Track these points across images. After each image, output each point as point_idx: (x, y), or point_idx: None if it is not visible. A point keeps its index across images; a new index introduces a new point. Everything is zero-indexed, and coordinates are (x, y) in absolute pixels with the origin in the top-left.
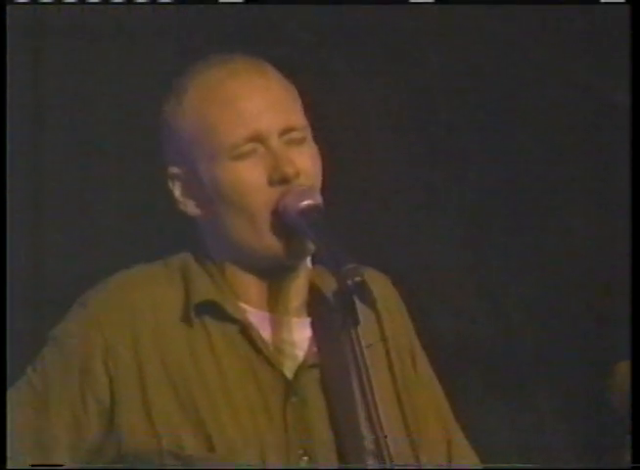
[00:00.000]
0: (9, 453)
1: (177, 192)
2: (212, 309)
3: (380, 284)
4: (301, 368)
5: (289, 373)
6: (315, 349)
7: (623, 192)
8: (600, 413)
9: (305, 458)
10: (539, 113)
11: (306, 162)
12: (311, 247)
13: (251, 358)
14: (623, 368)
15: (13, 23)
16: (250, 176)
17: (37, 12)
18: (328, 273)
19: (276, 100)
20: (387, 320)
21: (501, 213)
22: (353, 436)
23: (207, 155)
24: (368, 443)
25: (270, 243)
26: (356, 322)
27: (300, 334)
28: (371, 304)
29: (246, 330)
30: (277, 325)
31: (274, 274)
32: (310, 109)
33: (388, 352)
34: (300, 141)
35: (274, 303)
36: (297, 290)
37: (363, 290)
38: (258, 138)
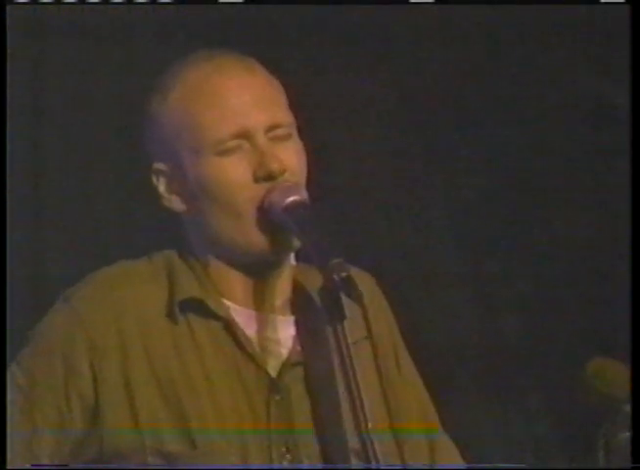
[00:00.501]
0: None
1: (162, 188)
2: (196, 306)
3: (364, 282)
4: (285, 366)
5: (272, 371)
6: (299, 347)
7: (623, 194)
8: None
9: (288, 456)
10: (538, 112)
11: (292, 158)
12: (296, 243)
13: (234, 356)
14: (594, 366)
15: (13, 23)
16: (235, 172)
17: (37, 12)
18: (312, 271)
19: (262, 96)
20: (371, 317)
21: (496, 214)
22: (337, 434)
23: (192, 150)
24: (353, 441)
25: (255, 239)
26: (342, 317)
27: (284, 332)
28: (357, 298)
29: (229, 327)
30: (261, 323)
31: (258, 271)
32: (298, 105)
33: (374, 349)
34: (286, 137)
35: (258, 300)
36: (282, 287)
37: (349, 285)
38: (244, 134)
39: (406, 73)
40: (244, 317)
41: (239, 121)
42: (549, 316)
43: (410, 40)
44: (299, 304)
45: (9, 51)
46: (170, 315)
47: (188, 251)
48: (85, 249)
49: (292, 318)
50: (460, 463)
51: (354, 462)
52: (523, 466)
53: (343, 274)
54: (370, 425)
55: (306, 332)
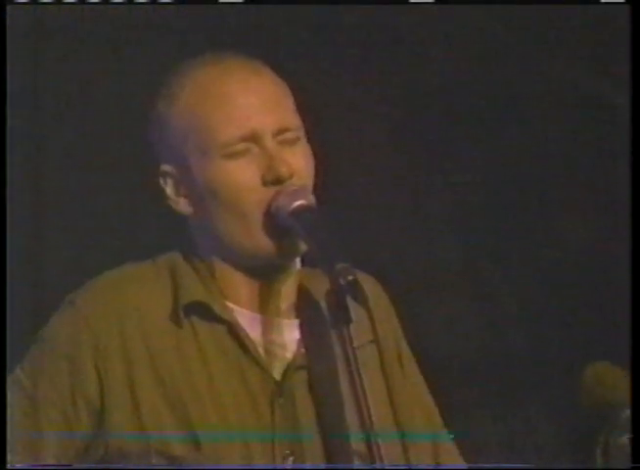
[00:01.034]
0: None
1: (169, 190)
2: (201, 310)
3: (368, 285)
4: (289, 369)
5: (277, 374)
6: (303, 350)
7: (623, 195)
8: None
9: (292, 459)
10: (538, 112)
11: (300, 162)
12: (303, 247)
13: (239, 359)
14: (593, 371)
15: (13, 23)
16: (242, 176)
17: (37, 12)
18: (317, 275)
19: (270, 99)
20: (377, 320)
21: (497, 216)
22: (341, 437)
23: (200, 153)
24: (357, 444)
25: (262, 243)
26: (348, 321)
27: (289, 335)
28: (363, 302)
29: (234, 330)
30: (266, 326)
31: (264, 274)
32: (305, 108)
33: (380, 352)
34: (294, 141)
35: (263, 303)
36: (287, 291)
37: (356, 289)
38: (252, 138)
39: (407, 74)
40: (248, 320)
41: (247, 124)
42: (551, 321)
43: (410, 40)
44: (304, 307)
45: (9, 51)
46: (175, 319)
47: (193, 253)
48: (86, 251)
49: (296, 322)
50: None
51: (358, 464)
52: (523, 466)
53: (350, 278)
54: (375, 429)
55: (311, 335)
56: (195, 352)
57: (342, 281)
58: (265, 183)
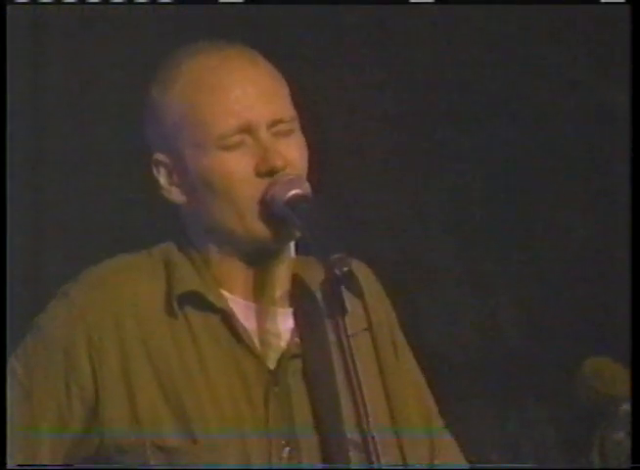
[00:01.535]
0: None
1: (162, 179)
2: (195, 299)
3: (362, 273)
4: (284, 359)
5: (271, 363)
6: (297, 339)
7: (623, 194)
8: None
9: (287, 449)
10: (538, 112)
11: (294, 153)
12: (297, 233)
13: (233, 348)
14: (592, 365)
15: (13, 23)
16: (237, 166)
17: (37, 12)
18: (311, 264)
19: (266, 90)
20: (371, 308)
21: (496, 213)
22: (336, 426)
23: (195, 143)
24: (352, 433)
25: (256, 232)
26: (343, 311)
27: (283, 324)
28: (358, 293)
29: (228, 319)
30: (260, 315)
31: (258, 260)
32: (300, 99)
33: (374, 342)
34: (288, 133)
35: (257, 292)
36: (281, 279)
37: (351, 279)
38: (247, 129)
39: (406, 72)
40: (242, 309)
41: (242, 115)
42: (548, 315)
43: (410, 40)
44: (298, 296)
45: (9, 51)
46: (169, 309)
47: (186, 242)
48: (86, 246)
49: (290, 311)
50: (460, 458)
51: (353, 455)
52: (523, 466)
53: (345, 269)
54: (370, 418)
55: (305, 324)
56: (189, 341)
57: (337, 271)
58: (259, 174)
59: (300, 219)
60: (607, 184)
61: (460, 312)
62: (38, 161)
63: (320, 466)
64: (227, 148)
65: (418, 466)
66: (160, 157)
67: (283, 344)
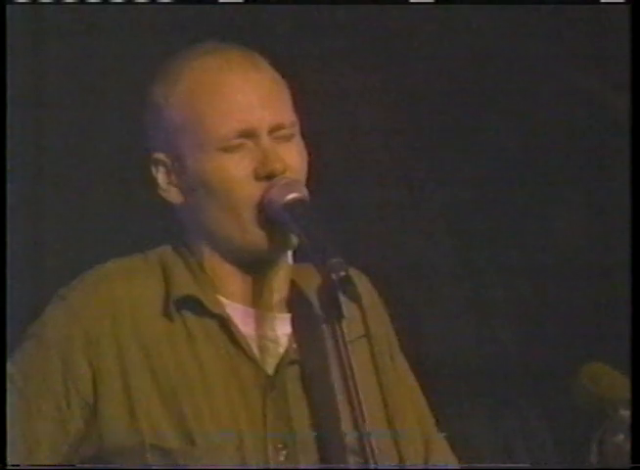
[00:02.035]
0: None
1: (160, 178)
2: (192, 304)
3: (359, 282)
4: (281, 364)
5: (269, 369)
6: (295, 345)
7: (623, 195)
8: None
9: (284, 452)
10: (538, 112)
11: (294, 158)
12: (294, 241)
13: (230, 353)
14: (589, 371)
15: (13, 23)
16: (236, 169)
17: (37, 12)
18: (309, 271)
19: (269, 95)
20: (367, 317)
21: (495, 215)
22: (333, 431)
23: (195, 144)
24: (349, 438)
25: (252, 237)
26: (340, 316)
27: (281, 330)
28: (355, 298)
29: (225, 324)
30: (257, 320)
31: (254, 268)
32: (301, 104)
33: (371, 348)
34: (289, 138)
35: (255, 297)
36: (278, 285)
37: (348, 284)
38: (248, 133)
39: (406, 73)
40: (240, 314)
41: (244, 119)
42: (546, 319)
43: (410, 40)
44: (296, 302)
45: (9, 51)
46: (166, 313)
47: (184, 245)
48: (86, 248)
49: (288, 316)
50: (454, 462)
51: (350, 459)
52: (522, 466)
53: (342, 274)
54: (367, 422)
55: (302, 330)
56: (187, 346)
57: (334, 276)
58: (258, 177)
59: (298, 223)
60: (607, 185)
61: (457, 315)
62: (38, 161)
63: (317, 467)
64: (227, 150)
65: (415, 467)
66: (159, 156)
67: (281, 349)
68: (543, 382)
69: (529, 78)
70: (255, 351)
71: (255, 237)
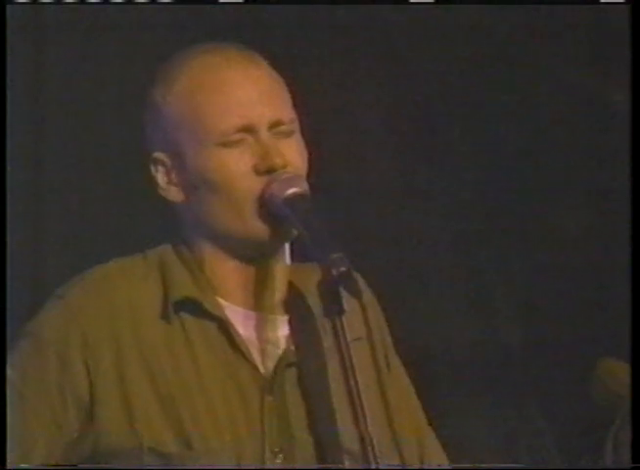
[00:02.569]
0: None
1: (160, 177)
2: (191, 306)
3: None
4: (279, 366)
5: (267, 371)
6: (293, 347)
7: (623, 194)
8: (584, 413)
9: (281, 456)
10: (538, 112)
11: (294, 154)
12: (294, 232)
13: (228, 355)
14: (605, 365)
15: (13, 23)
16: (236, 164)
17: (37, 12)
18: (307, 271)
19: (268, 91)
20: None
21: (496, 214)
22: (331, 434)
23: (195, 140)
24: (349, 441)
25: (253, 230)
26: (341, 312)
27: (279, 332)
28: (356, 293)
29: (224, 327)
30: (256, 322)
31: (254, 262)
32: (300, 101)
33: (371, 346)
34: (289, 134)
35: (253, 298)
36: (276, 286)
37: (348, 279)
38: (248, 129)
39: (406, 72)
40: (238, 316)
41: (244, 115)
42: (546, 319)
43: (410, 40)
44: (294, 303)
45: (9, 51)
46: (165, 314)
47: (183, 244)
48: (86, 248)
49: (286, 318)
50: (445, 464)
51: (348, 462)
52: (522, 466)
53: (343, 269)
54: (369, 422)
55: (300, 332)
56: (185, 348)
57: (335, 271)
58: (258, 172)
59: (298, 218)
60: (607, 184)
61: (457, 314)
62: (38, 161)
63: (316, 467)
64: (227, 145)
65: (414, 467)
66: (159, 155)
67: (279, 351)
68: (543, 382)
69: (530, 78)
70: (254, 353)
71: (256, 230)
